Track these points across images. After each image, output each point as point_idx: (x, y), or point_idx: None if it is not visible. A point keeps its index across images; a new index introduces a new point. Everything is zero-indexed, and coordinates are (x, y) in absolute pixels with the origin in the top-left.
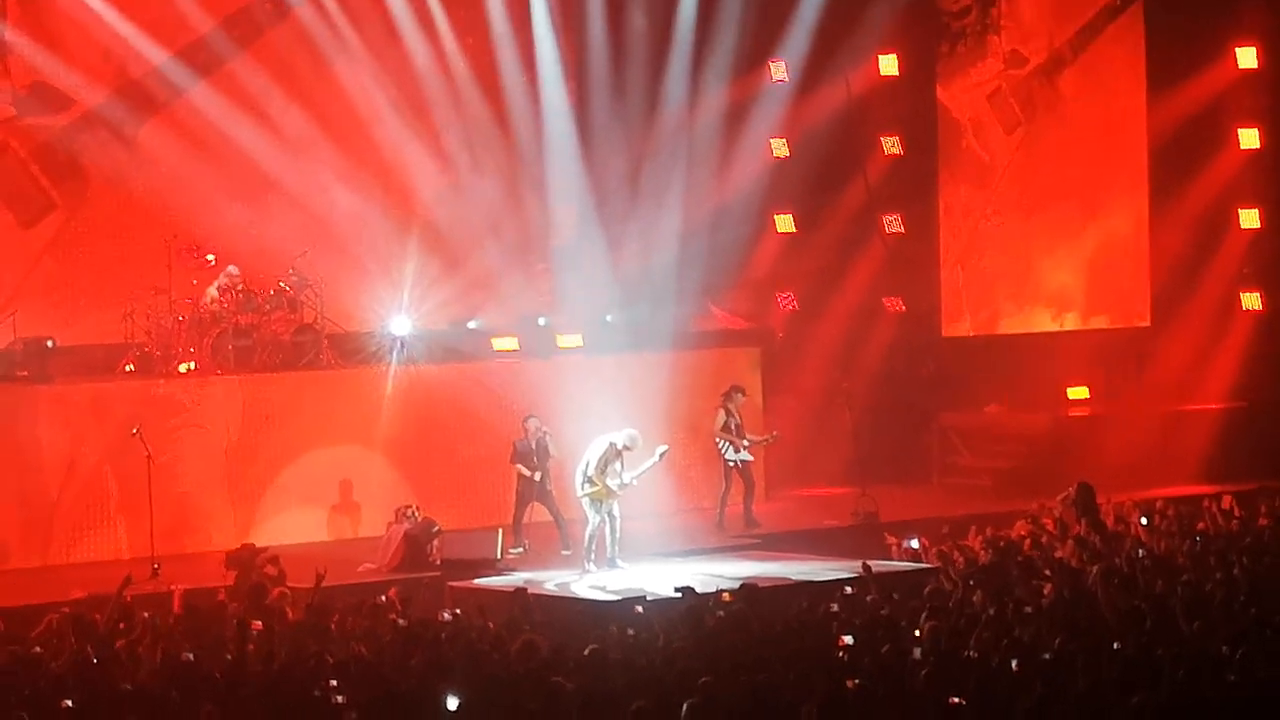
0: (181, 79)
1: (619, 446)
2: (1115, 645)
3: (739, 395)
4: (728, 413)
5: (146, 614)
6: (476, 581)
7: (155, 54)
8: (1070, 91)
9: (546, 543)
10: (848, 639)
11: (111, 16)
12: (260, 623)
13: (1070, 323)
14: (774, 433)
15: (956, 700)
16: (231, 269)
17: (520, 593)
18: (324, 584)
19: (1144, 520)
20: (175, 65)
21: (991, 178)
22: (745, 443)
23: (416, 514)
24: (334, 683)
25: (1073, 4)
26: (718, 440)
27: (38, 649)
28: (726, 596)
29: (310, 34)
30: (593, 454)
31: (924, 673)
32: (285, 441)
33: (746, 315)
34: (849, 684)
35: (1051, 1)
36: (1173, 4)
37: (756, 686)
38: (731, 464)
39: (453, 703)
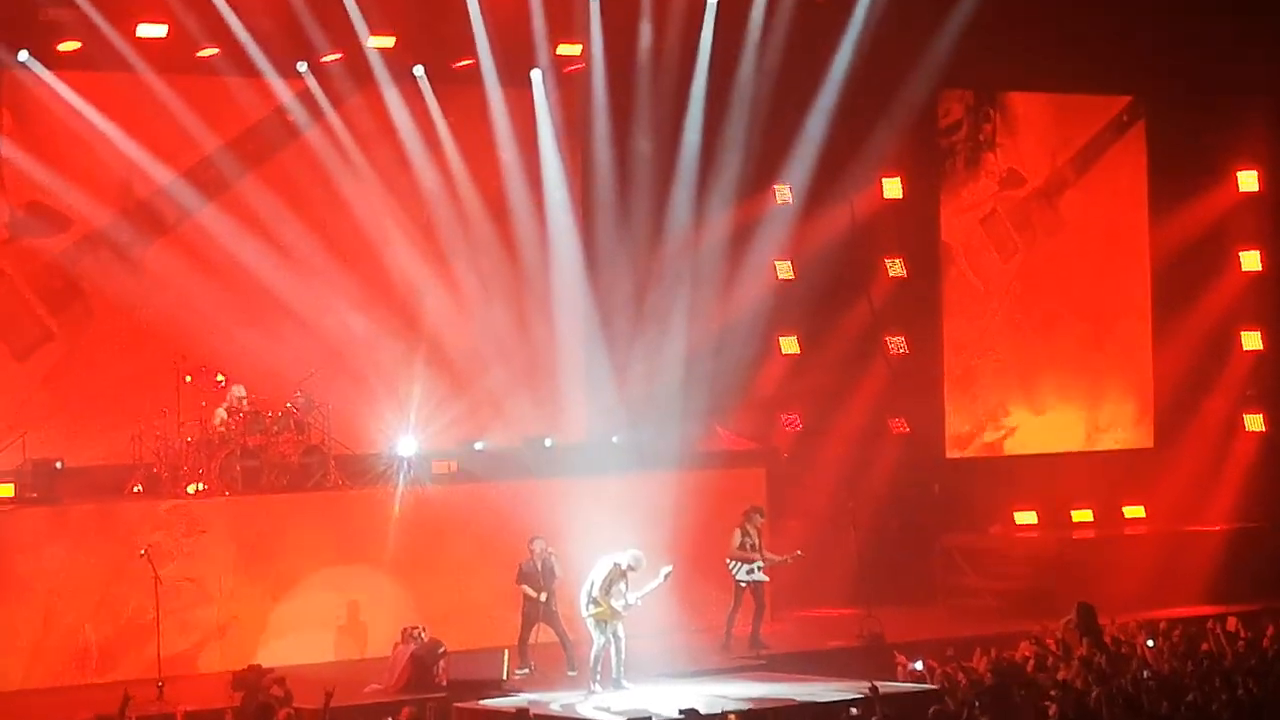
0: (189, 200)
1: (623, 567)
2: None
3: (758, 516)
4: (745, 533)
5: None
6: (482, 702)
7: (161, 174)
8: (1070, 213)
9: (553, 663)
10: None
11: (116, 134)
12: None
13: (1073, 444)
14: (797, 551)
15: None
16: (238, 390)
17: (522, 714)
18: (331, 704)
19: (1150, 642)
20: (182, 186)
21: (986, 306)
22: (759, 564)
23: (423, 634)
24: None
25: (1073, 122)
26: (729, 561)
27: None
28: (732, 718)
29: (318, 156)
30: (597, 574)
31: None
32: (292, 562)
33: (751, 436)
34: None
35: (1051, 119)
36: (1175, 125)
37: None
38: (743, 584)
39: None
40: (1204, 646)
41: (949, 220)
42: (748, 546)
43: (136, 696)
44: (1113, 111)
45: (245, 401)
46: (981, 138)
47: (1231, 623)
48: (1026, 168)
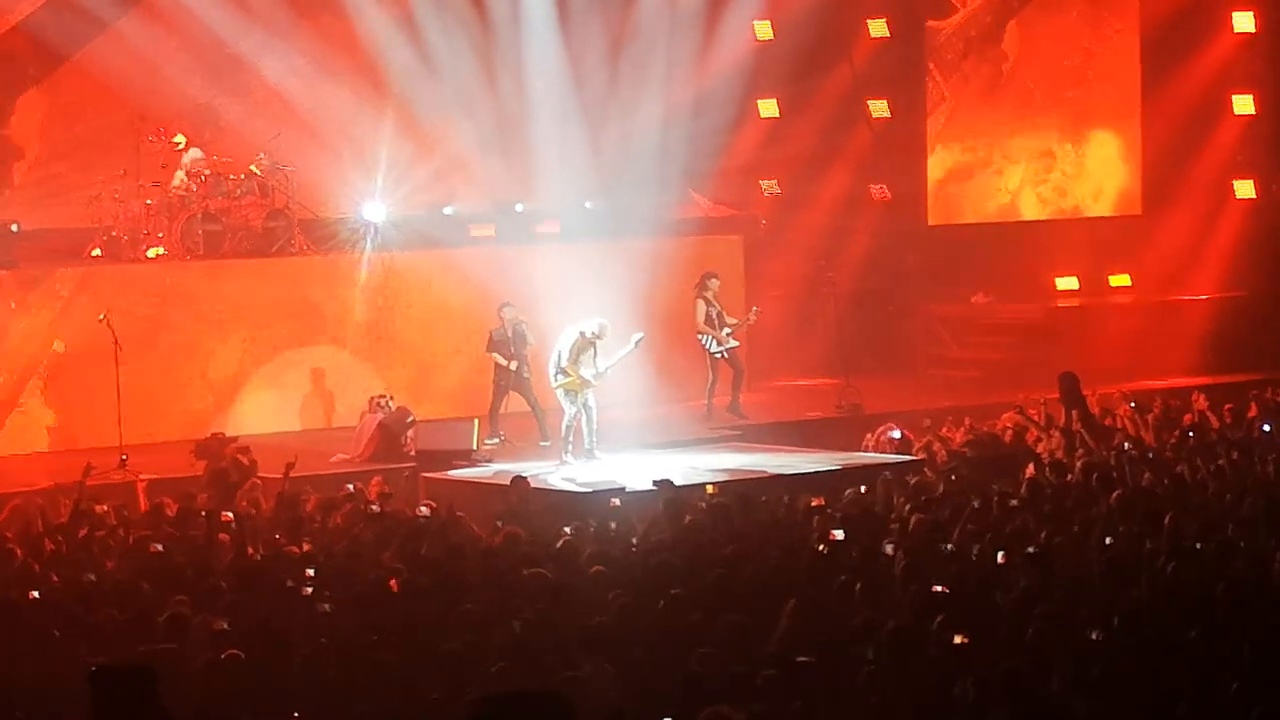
0: None
1: (588, 335)
2: (1107, 540)
3: (713, 281)
4: (707, 303)
5: (114, 504)
6: (452, 473)
7: None
8: None
9: (523, 433)
10: (837, 534)
11: None
12: (230, 513)
13: (1061, 211)
14: (754, 309)
15: (939, 588)
16: (195, 153)
17: (519, 482)
18: (296, 474)
19: (1133, 412)
20: None
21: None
22: (726, 331)
23: (391, 403)
24: (310, 573)
25: None
26: (700, 336)
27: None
28: (710, 489)
29: None
30: (563, 344)
31: (904, 564)
32: (257, 329)
33: (729, 202)
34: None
35: None
36: None
37: (735, 580)
38: (718, 355)
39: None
40: (1187, 418)
41: None
42: (713, 317)
43: (99, 466)
44: None
45: (204, 164)
46: None
47: (1212, 396)
48: None
